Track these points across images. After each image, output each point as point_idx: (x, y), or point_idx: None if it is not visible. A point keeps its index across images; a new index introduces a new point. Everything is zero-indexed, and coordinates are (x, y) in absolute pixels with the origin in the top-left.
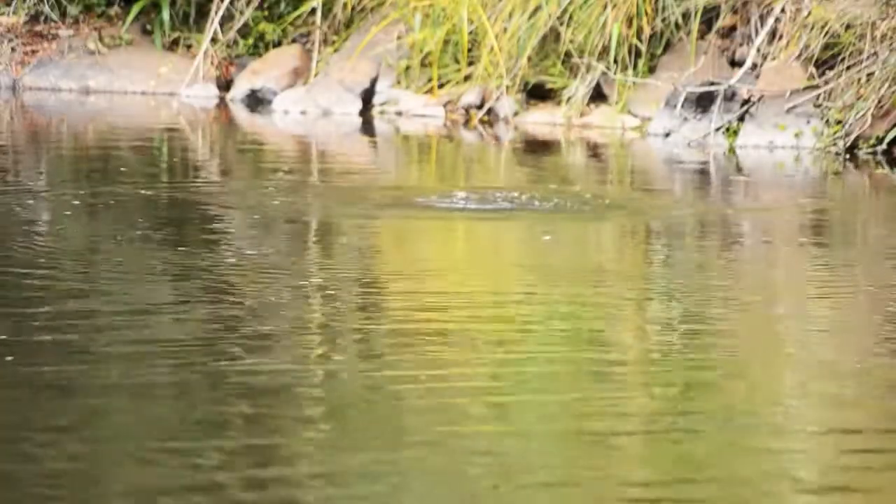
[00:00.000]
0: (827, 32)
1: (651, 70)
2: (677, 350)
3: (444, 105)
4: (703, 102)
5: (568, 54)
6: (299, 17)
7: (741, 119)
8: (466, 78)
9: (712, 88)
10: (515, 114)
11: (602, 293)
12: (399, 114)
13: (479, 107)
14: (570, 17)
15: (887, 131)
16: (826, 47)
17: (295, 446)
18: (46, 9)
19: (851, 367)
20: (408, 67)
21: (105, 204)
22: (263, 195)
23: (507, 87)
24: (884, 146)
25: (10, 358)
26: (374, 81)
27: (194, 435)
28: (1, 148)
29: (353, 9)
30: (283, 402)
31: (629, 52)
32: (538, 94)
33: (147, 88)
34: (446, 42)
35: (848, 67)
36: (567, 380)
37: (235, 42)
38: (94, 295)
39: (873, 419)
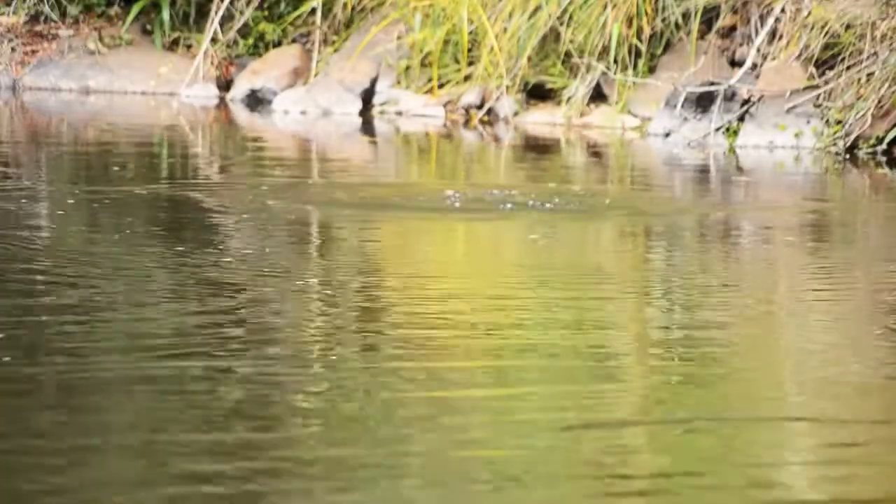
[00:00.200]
0: (827, 32)
1: (651, 70)
2: (677, 349)
3: (444, 105)
4: (703, 102)
5: (568, 54)
6: (299, 17)
7: (741, 119)
8: (466, 78)
9: (712, 88)
10: (515, 114)
11: (601, 292)
12: (399, 114)
13: (479, 107)
14: (570, 17)
15: (887, 131)
16: (826, 47)
17: (293, 443)
18: (46, 9)
19: (851, 365)
20: (408, 67)
21: (103, 203)
22: (261, 194)
23: (507, 87)
24: (884, 146)
25: (6, 358)
26: (374, 81)
27: (192, 431)
28: (0, 148)
29: (353, 9)
30: (283, 400)
31: (629, 52)
32: (538, 94)
33: (147, 88)
34: (446, 42)
35: (848, 67)
36: (566, 376)
37: (235, 42)
38: (93, 293)
39: (872, 418)
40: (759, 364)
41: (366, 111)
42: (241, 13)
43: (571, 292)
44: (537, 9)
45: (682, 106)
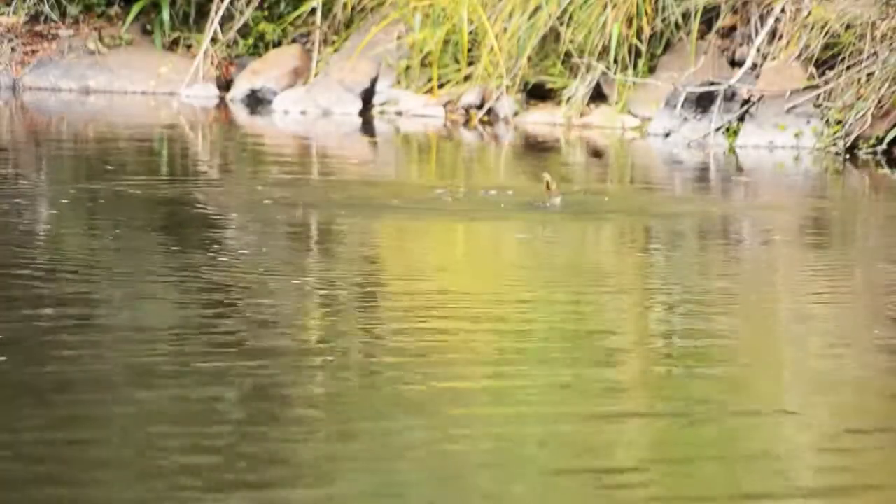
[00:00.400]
0: (827, 32)
1: (651, 70)
2: (677, 349)
3: (444, 105)
4: (703, 102)
5: (568, 54)
6: (299, 17)
7: (741, 119)
8: (466, 78)
9: (712, 88)
10: (515, 114)
11: (600, 291)
12: (399, 114)
13: (479, 107)
14: (570, 17)
15: (887, 131)
16: (826, 47)
17: (293, 441)
18: (46, 9)
19: (852, 365)
20: (408, 67)
21: (102, 203)
22: (260, 194)
23: (507, 87)
24: (884, 146)
25: (3, 358)
26: (374, 81)
27: (191, 429)
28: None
29: (353, 9)
30: (282, 398)
31: (629, 52)
32: (538, 94)
33: (147, 88)
34: (446, 42)
35: (848, 67)
36: (565, 374)
37: (235, 42)
38: (93, 293)
39: (873, 415)
40: (759, 362)
41: (366, 111)
42: (241, 13)
43: (571, 291)
44: (537, 9)
45: (682, 106)
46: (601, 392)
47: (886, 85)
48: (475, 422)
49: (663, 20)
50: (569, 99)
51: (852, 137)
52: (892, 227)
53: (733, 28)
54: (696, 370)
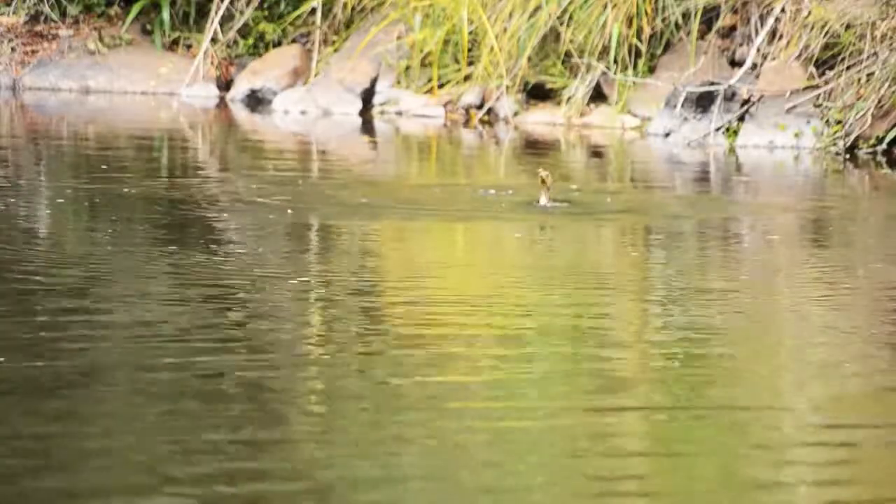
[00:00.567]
0: (827, 32)
1: (651, 70)
2: (676, 347)
3: (444, 105)
4: (703, 102)
5: (568, 54)
6: (299, 17)
7: (741, 119)
8: (466, 78)
9: (712, 88)
10: (515, 114)
11: (601, 290)
12: (399, 114)
13: (479, 107)
14: (570, 17)
15: (887, 131)
16: (826, 47)
17: (292, 441)
18: (46, 9)
19: (850, 364)
20: (408, 67)
21: (102, 202)
22: (260, 193)
23: (507, 87)
24: (884, 146)
25: (1, 358)
26: (374, 81)
27: (191, 429)
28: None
29: (353, 9)
30: (281, 398)
31: (629, 52)
32: (538, 94)
33: (147, 88)
34: (446, 42)
35: (848, 67)
36: (566, 375)
37: (235, 42)
38: (92, 292)
39: (870, 414)
40: (759, 360)
41: (366, 111)
42: (241, 13)
43: (571, 291)
44: (537, 9)
45: (682, 106)
46: (599, 388)
47: (886, 85)
48: (474, 416)
49: (663, 20)
50: (569, 99)
51: (852, 137)
52: (892, 227)
53: (733, 28)
54: (694, 367)
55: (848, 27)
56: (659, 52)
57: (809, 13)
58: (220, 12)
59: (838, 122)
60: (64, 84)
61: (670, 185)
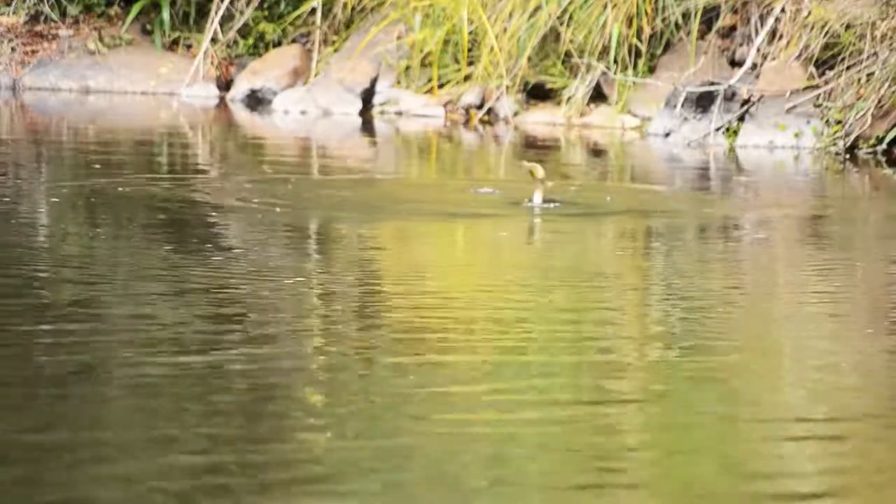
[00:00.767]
0: (827, 32)
1: (651, 70)
2: (676, 347)
3: (444, 105)
4: (703, 102)
5: (568, 54)
6: (299, 17)
7: (741, 119)
8: (466, 78)
9: (712, 88)
10: (515, 114)
11: (601, 290)
12: (399, 114)
13: (479, 107)
14: (570, 17)
15: (887, 131)
16: (826, 47)
17: (292, 439)
18: (46, 9)
19: (851, 362)
20: (408, 67)
21: (99, 202)
22: (259, 193)
23: (507, 87)
24: (884, 146)
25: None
26: (374, 81)
27: (191, 426)
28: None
29: (353, 9)
30: (282, 396)
31: (629, 52)
32: (538, 94)
33: (147, 88)
34: (446, 42)
35: (848, 67)
36: (566, 372)
37: (235, 42)
38: (92, 292)
39: (867, 409)
40: (758, 357)
41: (366, 111)
42: (241, 13)
43: (571, 288)
44: (537, 9)
45: (682, 106)
46: (599, 384)
47: (886, 85)
48: (474, 408)
49: (663, 20)
50: (569, 99)
51: (852, 137)
52: (892, 227)
53: (733, 28)
54: (694, 363)
55: (848, 27)
56: (659, 52)
57: (809, 13)
58: (220, 12)
59: (838, 122)
60: (64, 84)
61: (671, 184)
